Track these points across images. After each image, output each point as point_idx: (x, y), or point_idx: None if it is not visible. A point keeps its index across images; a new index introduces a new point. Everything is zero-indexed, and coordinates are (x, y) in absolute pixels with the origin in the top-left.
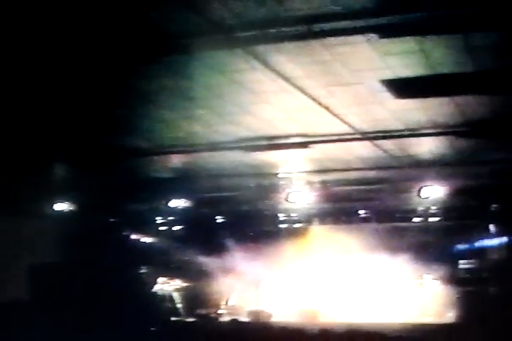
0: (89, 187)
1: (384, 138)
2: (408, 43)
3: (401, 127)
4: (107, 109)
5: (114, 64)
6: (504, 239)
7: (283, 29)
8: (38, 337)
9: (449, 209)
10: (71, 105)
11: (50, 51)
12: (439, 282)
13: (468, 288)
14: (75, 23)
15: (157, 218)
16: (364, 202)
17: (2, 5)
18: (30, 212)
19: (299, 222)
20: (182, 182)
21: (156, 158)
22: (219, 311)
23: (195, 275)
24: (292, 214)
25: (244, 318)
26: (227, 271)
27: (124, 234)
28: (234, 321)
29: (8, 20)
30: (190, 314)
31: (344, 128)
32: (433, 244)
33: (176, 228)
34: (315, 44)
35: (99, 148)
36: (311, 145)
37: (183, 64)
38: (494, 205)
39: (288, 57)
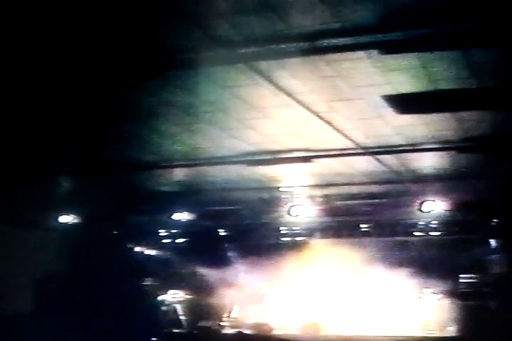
0: (92, 199)
1: (386, 153)
2: (410, 59)
3: (403, 142)
4: (110, 123)
5: (117, 78)
6: (504, 254)
7: (286, 45)
8: None
9: (450, 224)
10: (74, 118)
11: (53, 66)
12: (439, 296)
13: (469, 302)
14: (77, 38)
15: (160, 231)
16: (366, 216)
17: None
18: (33, 224)
19: (301, 235)
20: (184, 195)
21: (157, 171)
22: (221, 323)
23: (198, 287)
24: (294, 228)
25: (246, 331)
26: (229, 283)
27: (128, 246)
28: (236, 334)
29: (9, 35)
30: (193, 326)
31: (346, 143)
32: (434, 258)
33: (178, 241)
34: (317, 60)
35: (103, 162)
36: (313, 160)
37: (186, 79)
38: (495, 220)
39: (290, 73)
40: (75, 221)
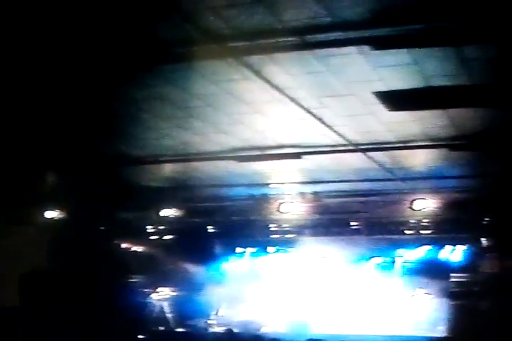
0: (80, 195)
1: (377, 149)
2: (402, 55)
3: (394, 139)
4: (98, 117)
5: (106, 72)
6: (496, 253)
7: (276, 40)
8: None
9: (441, 222)
10: (64, 113)
11: (46, 59)
12: (431, 296)
13: (461, 301)
14: (69, 31)
15: (148, 227)
16: (356, 214)
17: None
18: (21, 220)
19: (290, 232)
20: (173, 191)
21: (146, 166)
22: (209, 321)
23: (186, 284)
24: (284, 225)
25: (234, 329)
26: (218, 281)
27: (115, 242)
28: (224, 332)
29: (5, 27)
30: (180, 324)
31: (337, 140)
32: (425, 257)
33: (166, 237)
34: (308, 55)
35: (91, 156)
36: (303, 156)
37: (176, 73)
38: (487, 218)
39: (281, 68)
40: (62, 216)
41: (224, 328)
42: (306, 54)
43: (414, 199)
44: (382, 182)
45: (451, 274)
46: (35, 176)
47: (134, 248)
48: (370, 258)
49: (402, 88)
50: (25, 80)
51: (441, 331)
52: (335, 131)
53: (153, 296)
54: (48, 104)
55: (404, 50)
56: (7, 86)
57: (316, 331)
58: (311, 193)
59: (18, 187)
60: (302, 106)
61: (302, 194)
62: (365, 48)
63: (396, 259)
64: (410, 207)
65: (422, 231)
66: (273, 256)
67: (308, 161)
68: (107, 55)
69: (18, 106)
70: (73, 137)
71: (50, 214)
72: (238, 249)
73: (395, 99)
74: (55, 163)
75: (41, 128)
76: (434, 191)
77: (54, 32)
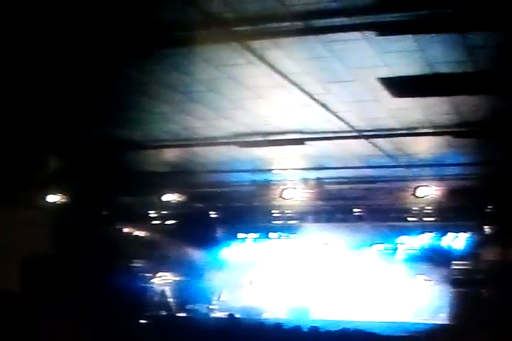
0: (80, 179)
1: (380, 136)
2: (407, 42)
3: (398, 126)
4: (99, 101)
5: (109, 56)
6: (498, 240)
7: (281, 24)
8: (30, 327)
9: (443, 209)
10: (65, 96)
11: (46, 42)
12: (433, 283)
13: (462, 289)
14: (70, 15)
15: (150, 212)
16: (359, 201)
17: None
18: (21, 203)
19: (292, 218)
20: (175, 176)
21: (148, 151)
22: (211, 306)
23: (187, 270)
24: (286, 211)
25: (236, 314)
26: (219, 266)
27: (116, 227)
28: (226, 317)
29: (5, 10)
30: (182, 309)
31: (340, 126)
32: (427, 244)
33: (168, 222)
34: (313, 40)
35: (93, 141)
36: (306, 142)
37: (178, 57)
38: (490, 206)
39: (285, 53)
40: (62, 201)
41: (226, 313)
42: (311, 39)
43: (418, 187)
44: (385, 169)
45: (453, 261)
46: (36, 160)
47: (136, 233)
48: (373, 244)
49: (407, 74)
50: (28, 65)
51: (442, 318)
52: (338, 117)
53: (155, 281)
54: (50, 89)
55: (409, 37)
56: (10, 71)
57: (317, 317)
58: (314, 179)
59: (19, 172)
60: (306, 92)
61: (305, 180)
62: (370, 34)
63: (398, 246)
64: (413, 194)
65: (424, 219)
66: (275, 242)
67: (311, 147)
68: (108, 39)
69: (22, 91)
70: (74, 121)
71: (51, 198)
72: (240, 235)
73: (400, 86)
74: (57, 148)
75: (43, 112)
76: (437, 178)
77: (55, 16)
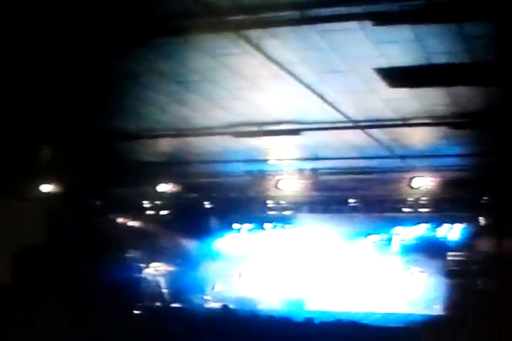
0: (75, 169)
1: (376, 127)
2: (403, 31)
3: (394, 116)
4: (93, 91)
5: (102, 45)
6: (494, 232)
7: (277, 13)
8: (21, 320)
9: (439, 201)
10: (59, 87)
11: (38, 33)
12: (427, 274)
13: (457, 280)
14: (65, 5)
15: (144, 202)
16: (354, 191)
17: None
18: (15, 195)
19: (287, 209)
20: (169, 166)
21: (142, 141)
22: (205, 297)
23: (182, 260)
24: (281, 202)
25: (230, 305)
26: (213, 256)
27: (111, 217)
28: (220, 308)
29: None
30: (176, 299)
31: (336, 116)
32: (422, 236)
33: (163, 213)
34: (309, 29)
35: (87, 131)
36: (302, 133)
37: (173, 47)
38: (485, 197)
39: (281, 42)
40: (57, 191)
41: (220, 304)
42: (307, 29)
43: (413, 177)
44: (381, 160)
45: (448, 253)
46: (30, 150)
47: (130, 223)
48: (368, 235)
49: (403, 65)
50: (21, 56)
51: (437, 309)
52: (334, 108)
53: (149, 272)
54: (43, 79)
55: (406, 26)
56: (3, 62)
57: (312, 308)
58: (310, 170)
59: (13, 162)
60: (302, 82)
61: (300, 171)
62: (367, 24)
63: (393, 237)
64: (409, 185)
65: (420, 210)
66: (270, 233)
67: (306, 138)
68: (103, 28)
69: (16, 81)
70: (68, 111)
71: (45, 188)
72: (235, 225)
73: (396, 76)
74: (50, 138)
75: (36, 101)
76: (433, 169)
77: (48, 6)
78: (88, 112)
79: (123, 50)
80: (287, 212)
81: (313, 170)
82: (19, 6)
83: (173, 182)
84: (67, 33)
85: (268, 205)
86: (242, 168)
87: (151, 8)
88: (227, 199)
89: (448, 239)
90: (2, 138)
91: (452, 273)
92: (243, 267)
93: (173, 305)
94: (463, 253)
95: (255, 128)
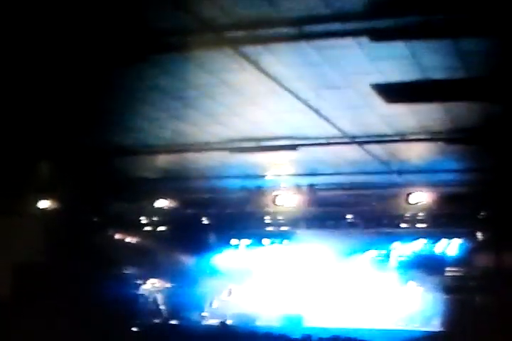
0: (73, 185)
1: (373, 142)
2: (399, 48)
3: (390, 132)
4: (93, 107)
5: (102, 62)
6: (491, 247)
7: (274, 30)
8: (18, 336)
9: (436, 216)
10: (59, 103)
11: (39, 49)
12: (426, 289)
13: (455, 295)
14: (64, 21)
15: (142, 218)
16: (351, 207)
17: None
18: (13, 211)
19: (285, 225)
20: (168, 182)
21: (141, 157)
22: (203, 314)
23: (180, 276)
24: (278, 217)
25: (228, 321)
26: (211, 272)
27: (108, 233)
28: (218, 324)
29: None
30: (174, 316)
31: (333, 132)
32: (419, 251)
33: (161, 228)
34: (305, 46)
35: (86, 147)
36: (299, 148)
37: (172, 63)
38: (482, 213)
39: (278, 59)
40: (55, 207)
41: (218, 321)
42: (304, 45)
43: (410, 193)
44: (378, 175)
45: (446, 268)
46: (28, 166)
47: (128, 239)
48: (365, 251)
49: (400, 81)
50: (21, 72)
51: (435, 325)
52: (331, 123)
53: (147, 288)
54: (42, 94)
55: (402, 43)
56: (8, 79)
57: (310, 324)
58: (307, 186)
59: (12, 178)
60: (299, 98)
61: (297, 186)
62: (363, 40)
63: (391, 253)
64: (406, 201)
65: (417, 225)
66: (268, 249)
67: (304, 153)
68: (102, 44)
69: (15, 98)
70: (67, 127)
71: (43, 204)
72: (233, 241)
73: (392, 92)
74: (49, 153)
75: (36, 118)
76: (430, 184)
77: (49, 23)
78: (87, 128)
79: (122, 66)
80: (285, 228)
81: (311, 186)
82: (20, 21)
83: (171, 198)
84: (67, 49)
85: (266, 221)
86: (239, 183)
87: (150, 25)
88: (224, 215)
89: (446, 255)
90: (2, 154)
91: (450, 288)
92: (234, 283)
93: (171, 321)
94: (461, 269)
95: (253, 144)
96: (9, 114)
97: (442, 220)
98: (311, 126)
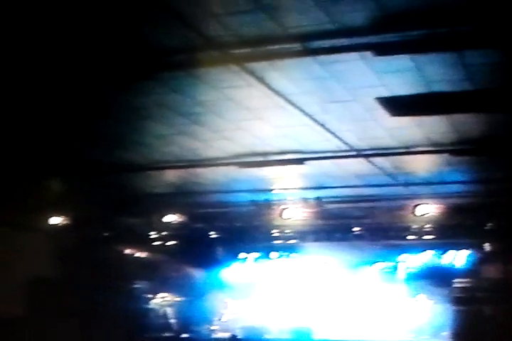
0: (82, 201)
1: (379, 155)
2: (404, 61)
3: (396, 145)
4: (100, 124)
5: (108, 79)
6: (499, 258)
7: (279, 46)
8: None
9: (443, 228)
10: (68, 120)
11: (45, 66)
12: (434, 301)
13: (464, 307)
14: (68, 38)
15: (151, 233)
16: (358, 219)
17: None
18: (22, 225)
19: (292, 238)
20: (176, 197)
21: (148, 173)
22: (212, 327)
23: (189, 290)
24: (286, 231)
25: (237, 334)
26: (220, 286)
27: (118, 248)
28: (227, 337)
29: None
30: (184, 330)
31: (339, 145)
32: (427, 263)
33: (169, 243)
34: (311, 61)
35: (94, 163)
36: (305, 162)
37: (178, 80)
38: (489, 224)
39: (284, 74)
40: (64, 223)
41: (227, 334)
42: (309, 60)
43: (417, 205)
44: (384, 188)
45: (454, 280)
46: (38, 183)
47: (137, 254)
48: (373, 263)
49: (405, 93)
50: (27, 88)
51: (445, 337)
52: (337, 137)
53: (157, 302)
54: (51, 112)
55: (407, 56)
56: (14, 94)
57: (319, 337)
58: (314, 199)
59: (21, 194)
60: (305, 112)
61: (305, 199)
62: (368, 54)
63: (399, 265)
64: (413, 213)
65: (424, 237)
66: (276, 262)
67: (310, 167)
68: (109, 62)
69: (24, 115)
70: (76, 144)
71: (53, 220)
72: (241, 255)
73: (398, 105)
74: (58, 170)
75: (44, 135)
76: (437, 196)
77: (55, 39)
78: (96, 145)
79: (129, 84)
80: (293, 241)
81: (318, 199)
82: (25, 35)
83: (179, 213)
84: (73, 67)
85: (273, 234)
86: (247, 197)
87: (157, 44)
88: (232, 229)
89: (453, 266)
90: (11, 170)
91: (459, 299)
92: (250, 296)
93: (182, 335)
94: (469, 280)
95: (260, 159)
96: (19, 130)
97: (449, 232)
98: (318, 140)
